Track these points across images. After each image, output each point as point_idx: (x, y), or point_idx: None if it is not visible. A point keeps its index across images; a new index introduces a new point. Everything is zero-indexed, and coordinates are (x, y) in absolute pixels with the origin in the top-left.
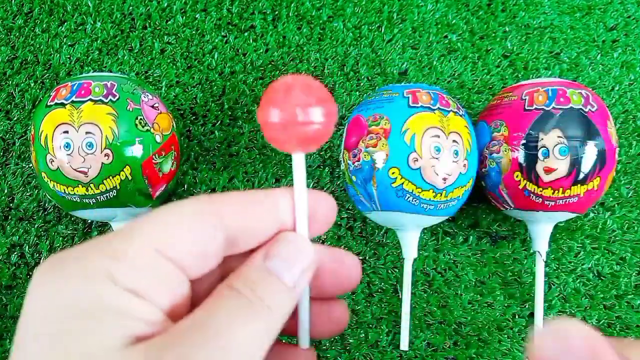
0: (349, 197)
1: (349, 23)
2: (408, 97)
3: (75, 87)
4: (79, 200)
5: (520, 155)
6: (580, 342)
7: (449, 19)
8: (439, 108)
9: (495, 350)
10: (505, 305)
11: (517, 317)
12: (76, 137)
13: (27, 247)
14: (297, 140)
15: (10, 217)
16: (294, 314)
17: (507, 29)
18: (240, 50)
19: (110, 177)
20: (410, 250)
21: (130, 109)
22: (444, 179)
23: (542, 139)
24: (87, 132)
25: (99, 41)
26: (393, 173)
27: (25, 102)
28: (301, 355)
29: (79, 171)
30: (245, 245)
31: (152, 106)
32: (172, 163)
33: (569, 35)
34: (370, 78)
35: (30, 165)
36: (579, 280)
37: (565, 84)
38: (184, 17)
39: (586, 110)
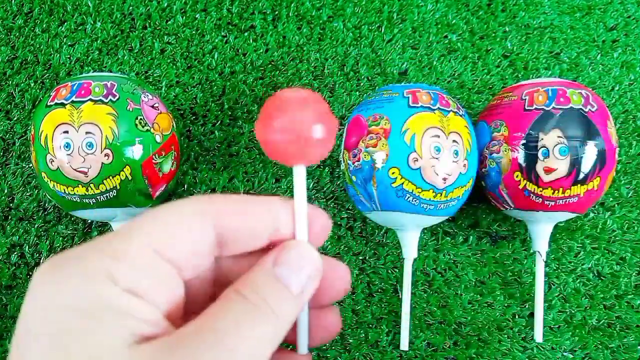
0: (349, 197)
1: (349, 23)
2: (408, 97)
3: (75, 87)
4: (79, 200)
5: (520, 155)
6: None
7: (449, 19)
8: (439, 108)
9: (495, 350)
10: (505, 305)
11: (517, 317)
12: (76, 137)
13: (27, 247)
14: (299, 156)
15: (10, 217)
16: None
17: (507, 29)
18: (240, 50)
19: (110, 177)
20: (410, 250)
21: (130, 109)
22: (444, 179)
23: (542, 139)
24: (87, 132)
25: (99, 41)
26: (393, 173)
27: (25, 102)
28: None
29: (79, 171)
30: (236, 249)
31: (152, 106)
32: (172, 163)
33: (569, 35)
34: (370, 78)
35: (30, 165)
36: (579, 280)
37: (565, 84)
38: (184, 17)
39: (586, 110)
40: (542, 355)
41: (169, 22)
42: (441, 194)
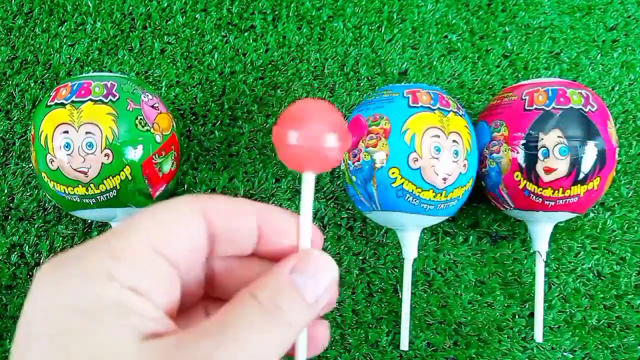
0: (349, 197)
1: (349, 23)
2: (408, 97)
3: (75, 87)
4: (79, 200)
5: (520, 155)
6: None
7: (449, 19)
8: (439, 108)
9: (495, 350)
10: (505, 305)
11: (517, 317)
12: (76, 137)
13: (27, 247)
14: (314, 163)
15: (10, 217)
16: None
17: (507, 29)
18: (240, 50)
19: (110, 177)
20: (410, 250)
21: (130, 109)
22: (444, 179)
23: (542, 139)
24: (87, 132)
25: (99, 41)
26: (393, 173)
27: (25, 102)
28: None
29: (79, 171)
30: (226, 249)
31: (152, 106)
32: (172, 163)
33: (569, 35)
34: (370, 78)
35: (30, 165)
36: (579, 280)
37: (565, 84)
38: (184, 17)
39: (586, 110)
40: (542, 355)
41: (169, 22)
42: (441, 194)
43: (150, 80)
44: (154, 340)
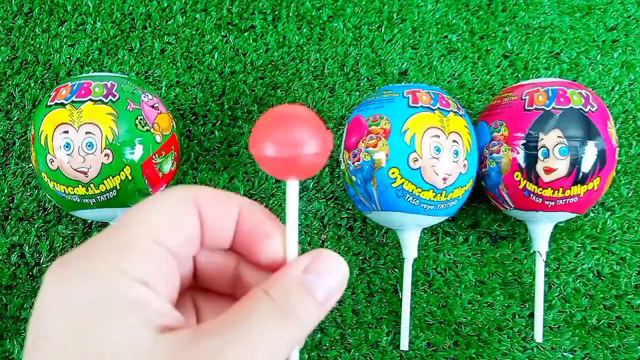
0: (349, 197)
1: (349, 23)
2: (408, 97)
3: (75, 87)
4: (79, 200)
5: (520, 155)
6: None
7: (449, 19)
8: (439, 108)
9: (495, 350)
10: (505, 305)
11: (517, 317)
12: (76, 137)
13: (27, 247)
14: (292, 171)
15: (10, 217)
16: None
17: (507, 29)
18: (240, 50)
19: (110, 177)
20: (410, 250)
21: (130, 109)
22: (444, 179)
23: (542, 139)
24: (87, 132)
25: (99, 41)
26: (393, 173)
27: (25, 102)
28: None
29: (79, 171)
30: (210, 241)
31: (152, 106)
32: (172, 163)
33: (569, 35)
34: (370, 78)
35: (30, 165)
36: (579, 280)
37: (565, 84)
38: (184, 17)
39: (586, 110)
40: (542, 355)
41: (169, 22)
42: (441, 194)
43: (150, 80)
44: (168, 334)
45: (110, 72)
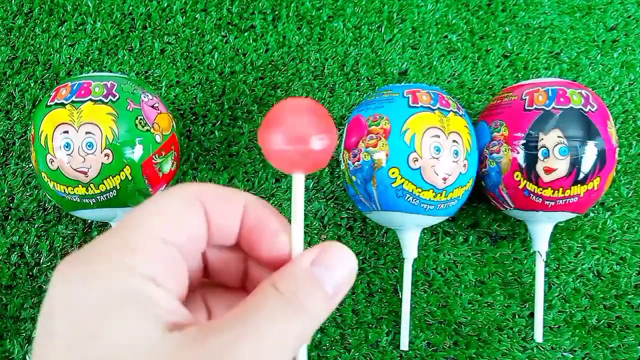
0: (349, 197)
1: (349, 23)
2: (408, 97)
3: (75, 87)
4: (79, 200)
5: (520, 155)
6: None
7: (449, 19)
8: (439, 108)
9: (495, 350)
10: (505, 305)
11: (517, 317)
12: (76, 137)
13: (27, 247)
14: (300, 164)
15: (10, 217)
16: None
17: (507, 29)
18: (240, 50)
19: (110, 177)
20: (410, 250)
21: (130, 109)
22: (444, 179)
23: (542, 139)
24: (87, 132)
25: (99, 41)
26: (393, 173)
27: (25, 102)
28: None
29: (79, 171)
30: (216, 238)
31: (152, 106)
32: (172, 163)
33: (569, 35)
34: (370, 78)
35: (30, 165)
36: (579, 280)
37: (565, 84)
38: (184, 17)
39: (586, 110)
40: (542, 355)
41: (169, 22)
42: (441, 194)
43: (150, 80)
44: (177, 332)
45: (110, 72)
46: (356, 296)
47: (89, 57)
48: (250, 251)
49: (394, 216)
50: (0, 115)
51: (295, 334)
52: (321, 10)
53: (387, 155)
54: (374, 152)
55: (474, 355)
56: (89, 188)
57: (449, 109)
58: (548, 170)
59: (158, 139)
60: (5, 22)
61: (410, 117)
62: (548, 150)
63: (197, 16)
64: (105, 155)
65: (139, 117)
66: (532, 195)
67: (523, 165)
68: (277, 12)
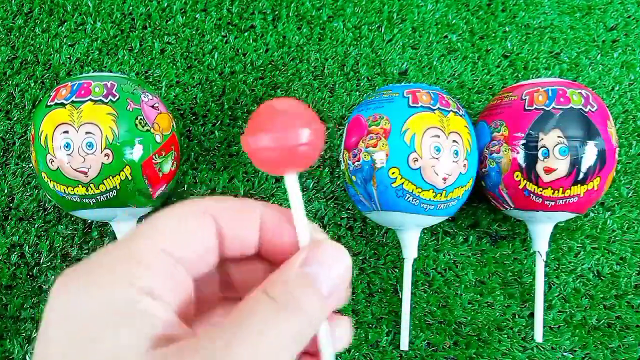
0: (349, 197)
1: (349, 23)
2: (408, 97)
3: (75, 87)
4: (79, 200)
5: (520, 155)
6: None
7: (449, 19)
8: (439, 108)
9: (495, 350)
10: (505, 305)
11: (517, 317)
12: (76, 137)
13: (27, 247)
14: (287, 165)
15: (10, 217)
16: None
17: (507, 29)
18: (240, 50)
19: (110, 177)
20: (410, 250)
21: (130, 109)
22: (444, 179)
23: (542, 139)
24: (87, 132)
25: (99, 41)
26: (393, 173)
27: (25, 102)
28: None
29: (79, 171)
30: (234, 249)
31: (152, 106)
32: (172, 163)
33: (569, 35)
34: (370, 78)
35: (30, 165)
36: (579, 280)
37: (565, 84)
38: (184, 17)
39: (586, 110)
40: (542, 355)
41: (169, 22)
42: (441, 194)
43: (150, 80)
44: (166, 347)
45: (110, 72)
46: (356, 296)
47: (89, 57)
48: (273, 259)
49: (394, 216)
50: (0, 115)
51: (292, 335)
52: (321, 10)
53: (387, 155)
54: (374, 152)
55: (474, 355)
56: (89, 188)
57: (449, 109)
58: (548, 170)
59: (158, 139)
60: (5, 22)
61: (410, 117)
62: (548, 150)
63: (197, 16)
64: (105, 155)
65: (139, 117)
66: (532, 195)
67: (523, 165)
68: (277, 12)
